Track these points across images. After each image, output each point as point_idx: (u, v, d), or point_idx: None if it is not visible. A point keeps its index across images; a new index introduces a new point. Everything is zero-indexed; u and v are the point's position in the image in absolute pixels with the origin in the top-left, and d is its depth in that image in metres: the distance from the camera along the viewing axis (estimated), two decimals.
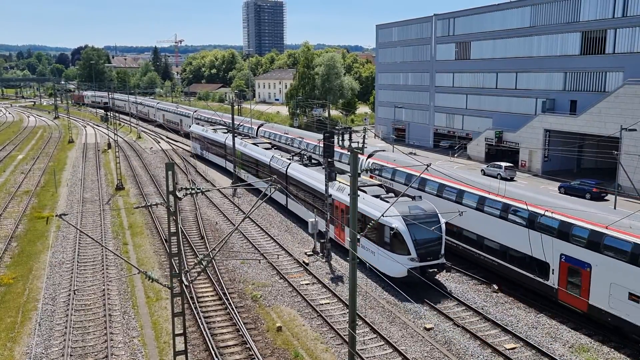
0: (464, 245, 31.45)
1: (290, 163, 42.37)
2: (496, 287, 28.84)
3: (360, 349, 22.56)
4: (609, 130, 48.15)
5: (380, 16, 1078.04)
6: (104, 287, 28.84)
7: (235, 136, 53.91)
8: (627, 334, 22.84)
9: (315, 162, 42.61)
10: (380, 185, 34.34)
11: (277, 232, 39.02)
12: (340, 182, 33.73)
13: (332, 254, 33.71)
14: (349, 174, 17.86)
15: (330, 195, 33.57)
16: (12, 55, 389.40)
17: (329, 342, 23.54)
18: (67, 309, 26.27)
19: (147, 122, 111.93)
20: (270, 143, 54.52)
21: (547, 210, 26.17)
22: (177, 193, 16.85)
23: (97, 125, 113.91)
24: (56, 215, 18.98)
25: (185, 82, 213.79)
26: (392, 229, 27.87)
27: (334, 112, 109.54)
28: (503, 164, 54.65)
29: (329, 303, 27.33)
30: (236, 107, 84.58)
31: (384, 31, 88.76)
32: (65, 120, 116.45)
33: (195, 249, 34.99)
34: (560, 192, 46.10)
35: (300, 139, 57.18)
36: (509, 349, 22.75)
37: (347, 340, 20.65)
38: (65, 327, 24.52)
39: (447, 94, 75.65)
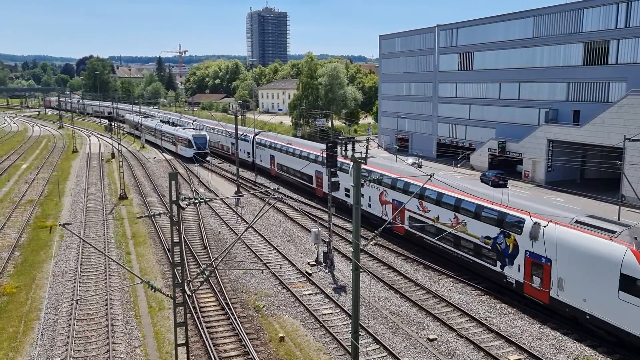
0: (293, 178, 56.35)
1: (163, 124, 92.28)
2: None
3: None
4: (612, 140, 48.10)
5: (384, 27, 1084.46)
6: (106, 296, 28.83)
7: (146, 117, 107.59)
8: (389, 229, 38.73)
9: (176, 123, 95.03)
10: (194, 128, 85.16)
11: (279, 242, 38.99)
12: (182, 130, 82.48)
13: (335, 263, 33.67)
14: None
15: (173, 134, 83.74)
16: (17, 66, 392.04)
17: (331, 352, 23.44)
18: (70, 319, 26.25)
19: (105, 118, 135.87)
20: (163, 121, 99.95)
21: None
22: (180, 203, 16.90)
23: (101, 135, 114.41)
24: (59, 225, 19.01)
25: (189, 92, 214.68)
26: (187, 139, 76.27)
27: (337, 123, 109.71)
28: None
29: (331, 313, 27.25)
30: (240, 117, 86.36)
31: (387, 42, 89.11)
32: (69, 130, 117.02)
33: (198, 258, 34.97)
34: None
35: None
36: None
37: (350, 350, 20.56)
38: (68, 337, 24.49)
39: (450, 104, 75.75)
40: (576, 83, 57.57)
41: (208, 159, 75.14)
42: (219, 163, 74.89)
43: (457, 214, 31.92)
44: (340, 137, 37.88)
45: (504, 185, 54.44)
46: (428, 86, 79.90)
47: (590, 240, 23.89)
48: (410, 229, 36.78)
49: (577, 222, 25.48)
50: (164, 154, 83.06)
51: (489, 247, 29.53)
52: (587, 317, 24.14)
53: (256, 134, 66.85)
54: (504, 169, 61.01)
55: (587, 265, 23.79)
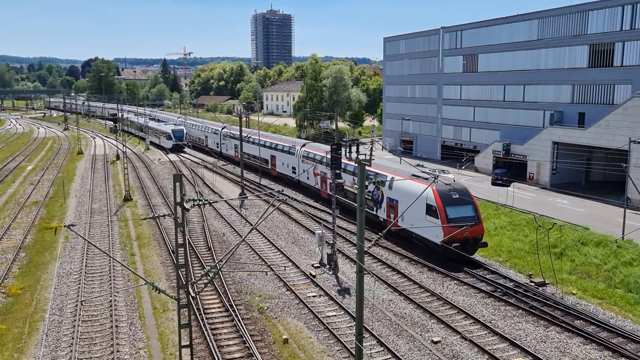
0: (254, 161, 66.78)
1: (149, 121, 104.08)
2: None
3: None
4: (617, 142, 47.91)
5: (388, 29, 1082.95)
6: (111, 298, 28.89)
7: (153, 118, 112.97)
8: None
9: (160, 120, 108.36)
10: (175, 124, 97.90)
11: (284, 244, 39.00)
12: (164, 125, 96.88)
13: (339, 265, 33.64)
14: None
15: (157, 129, 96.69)
16: (23, 67, 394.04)
17: (335, 354, 23.41)
18: (74, 320, 26.32)
19: (96, 117, 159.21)
20: (151, 118, 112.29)
21: (264, 138, 65.67)
22: (184, 204, 16.93)
23: (106, 136, 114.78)
24: (64, 226, 19.10)
25: (194, 94, 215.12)
26: (168, 133, 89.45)
27: (342, 125, 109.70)
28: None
29: (335, 315, 27.22)
30: (244, 119, 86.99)
31: (392, 44, 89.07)
32: (74, 132, 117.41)
33: (203, 260, 35.01)
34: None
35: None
36: None
37: (354, 353, 20.53)
38: (72, 338, 24.56)
39: (454, 106, 75.63)
40: (581, 85, 57.38)
41: (185, 149, 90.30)
42: (223, 165, 75.08)
43: (354, 177, 43.56)
44: (345, 139, 41.65)
45: (505, 185, 55.84)
46: (432, 88, 79.81)
47: (414, 185, 36.23)
48: (329, 192, 46.93)
49: (412, 175, 38.05)
50: (168, 156, 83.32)
51: (370, 197, 41.20)
52: (414, 235, 36.74)
53: (223, 128, 79.62)
54: (512, 171, 60.85)
55: (412, 201, 33.24)
